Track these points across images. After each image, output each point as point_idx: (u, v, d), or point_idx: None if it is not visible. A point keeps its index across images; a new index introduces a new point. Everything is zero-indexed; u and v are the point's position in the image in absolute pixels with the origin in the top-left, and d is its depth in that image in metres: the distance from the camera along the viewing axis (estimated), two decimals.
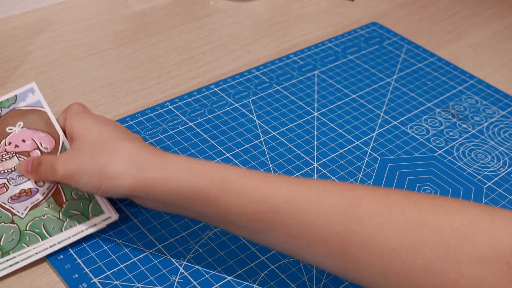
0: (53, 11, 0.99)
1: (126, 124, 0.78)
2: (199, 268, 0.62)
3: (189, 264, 0.62)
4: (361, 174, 0.75)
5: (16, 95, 0.74)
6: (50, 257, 0.61)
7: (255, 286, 0.61)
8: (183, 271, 0.62)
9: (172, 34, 0.97)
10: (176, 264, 0.62)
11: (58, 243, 0.62)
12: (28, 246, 0.61)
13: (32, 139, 0.70)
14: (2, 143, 0.70)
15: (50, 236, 0.62)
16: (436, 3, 1.14)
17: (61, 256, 0.61)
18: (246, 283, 0.61)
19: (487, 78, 0.95)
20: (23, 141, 0.70)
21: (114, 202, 0.67)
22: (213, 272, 0.62)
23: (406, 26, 1.06)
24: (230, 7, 1.05)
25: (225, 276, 0.62)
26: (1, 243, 0.61)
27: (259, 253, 0.64)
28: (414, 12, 1.11)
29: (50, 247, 0.62)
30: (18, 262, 0.60)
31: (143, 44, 0.94)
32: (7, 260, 0.60)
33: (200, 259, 0.63)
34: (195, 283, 0.61)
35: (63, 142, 0.70)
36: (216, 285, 0.61)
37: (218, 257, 0.63)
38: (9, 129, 0.71)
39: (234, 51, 0.95)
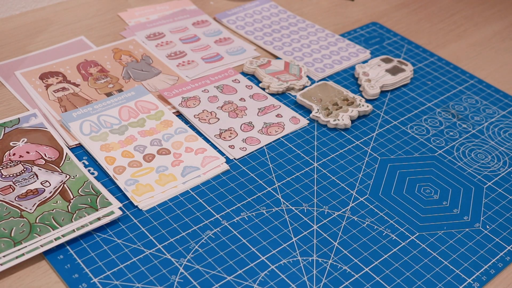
0: (53, 11, 1.00)
1: None
2: (199, 268, 0.62)
3: (189, 264, 0.62)
4: (361, 174, 0.75)
5: (19, 118, 0.76)
6: (50, 257, 0.61)
7: (255, 286, 0.61)
8: (183, 271, 0.62)
9: None
10: (176, 264, 0.62)
11: (69, 233, 0.63)
12: (39, 236, 0.62)
13: (36, 151, 0.71)
14: (6, 154, 0.71)
15: (61, 226, 0.63)
16: (436, 3, 1.14)
17: (61, 256, 0.61)
18: (246, 283, 0.61)
19: (487, 78, 0.95)
20: (27, 152, 0.71)
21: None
22: (213, 272, 0.62)
23: (406, 26, 1.06)
24: (230, 7, 1.05)
25: (225, 276, 0.62)
26: (12, 235, 0.62)
27: (259, 253, 0.64)
28: (414, 12, 1.11)
29: (62, 236, 0.62)
30: (32, 250, 0.61)
31: None
32: (19, 250, 0.61)
33: (200, 259, 0.63)
34: (195, 283, 0.61)
35: (67, 154, 0.71)
36: (216, 285, 0.61)
37: (218, 257, 0.63)
38: (13, 143, 0.72)
39: None
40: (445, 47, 1.01)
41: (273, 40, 0.97)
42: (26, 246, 0.61)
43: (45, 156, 0.71)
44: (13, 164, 0.70)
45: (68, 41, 0.92)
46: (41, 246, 0.61)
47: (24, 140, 0.73)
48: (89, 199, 0.66)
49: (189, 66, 0.89)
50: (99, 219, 0.64)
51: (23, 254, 0.60)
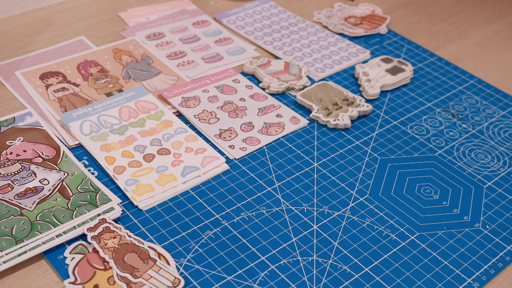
0: (53, 11, 1.00)
1: None
2: (199, 268, 0.62)
3: (189, 264, 0.62)
4: (361, 174, 0.75)
5: (14, 117, 0.76)
6: (50, 257, 0.61)
7: (255, 286, 0.61)
8: (183, 271, 0.62)
9: None
10: (176, 264, 0.62)
11: (70, 229, 0.63)
12: (41, 233, 0.62)
13: (33, 149, 0.71)
14: (3, 153, 0.71)
15: (62, 223, 0.63)
16: (436, 3, 1.14)
17: (61, 256, 0.61)
18: (246, 283, 0.61)
19: (487, 78, 0.95)
20: (24, 151, 0.71)
21: None
22: (213, 272, 0.62)
23: (406, 26, 1.06)
24: (230, 7, 1.05)
25: (225, 276, 0.62)
26: (14, 233, 0.62)
27: (259, 253, 0.64)
28: (414, 12, 1.11)
29: (64, 233, 0.62)
30: (34, 248, 0.61)
31: None
32: (21, 247, 0.61)
33: (200, 259, 0.63)
34: (195, 283, 0.61)
35: (64, 151, 0.71)
36: (216, 285, 0.61)
37: (218, 257, 0.63)
38: (9, 142, 0.72)
39: None
40: (445, 47, 1.01)
41: (273, 40, 0.97)
42: (28, 244, 0.61)
43: (42, 154, 0.71)
44: (11, 163, 0.70)
45: (68, 41, 0.92)
46: (43, 243, 0.61)
47: (20, 139, 0.73)
48: (88, 196, 0.66)
49: (189, 66, 0.89)
50: (99, 215, 0.64)
51: (25, 252, 0.60)
